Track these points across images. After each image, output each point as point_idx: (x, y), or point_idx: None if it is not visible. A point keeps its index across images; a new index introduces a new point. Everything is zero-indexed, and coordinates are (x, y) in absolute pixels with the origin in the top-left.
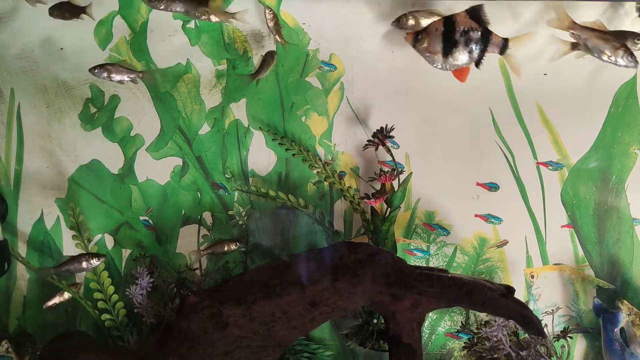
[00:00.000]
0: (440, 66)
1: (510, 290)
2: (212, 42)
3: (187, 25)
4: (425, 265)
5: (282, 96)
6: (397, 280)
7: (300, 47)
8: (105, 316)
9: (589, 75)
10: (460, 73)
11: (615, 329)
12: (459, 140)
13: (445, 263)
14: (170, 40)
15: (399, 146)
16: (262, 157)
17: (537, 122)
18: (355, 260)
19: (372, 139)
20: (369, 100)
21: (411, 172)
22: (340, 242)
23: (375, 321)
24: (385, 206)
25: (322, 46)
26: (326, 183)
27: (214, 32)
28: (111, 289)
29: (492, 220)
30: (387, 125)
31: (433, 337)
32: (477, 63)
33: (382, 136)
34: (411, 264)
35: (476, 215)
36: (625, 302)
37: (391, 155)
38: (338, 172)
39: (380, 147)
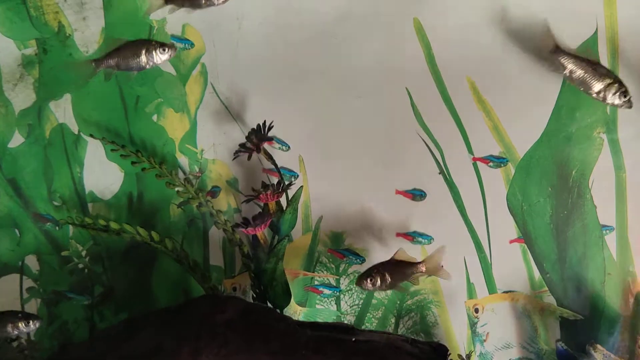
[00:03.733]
0: None
1: (440, 351)
2: (12, 17)
3: None
4: (331, 308)
5: (121, 88)
6: (282, 347)
7: (139, 15)
8: None
9: (534, 36)
10: None
11: None
12: (369, 135)
13: (362, 301)
14: None
15: (289, 147)
16: (103, 174)
17: (470, 104)
18: (224, 321)
19: (245, 142)
20: (243, 86)
21: (301, 186)
22: (201, 296)
23: None
24: (272, 234)
25: (171, 14)
26: (194, 204)
27: (11, 2)
28: None
29: (420, 239)
30: (265, 121)
31: None
32: None
33: (257, 138)
34: (304, 320)
35: (398, 235)
36: (599, 347)
37: (273, 163)
38: (209, 189)
39: (257, 154)
